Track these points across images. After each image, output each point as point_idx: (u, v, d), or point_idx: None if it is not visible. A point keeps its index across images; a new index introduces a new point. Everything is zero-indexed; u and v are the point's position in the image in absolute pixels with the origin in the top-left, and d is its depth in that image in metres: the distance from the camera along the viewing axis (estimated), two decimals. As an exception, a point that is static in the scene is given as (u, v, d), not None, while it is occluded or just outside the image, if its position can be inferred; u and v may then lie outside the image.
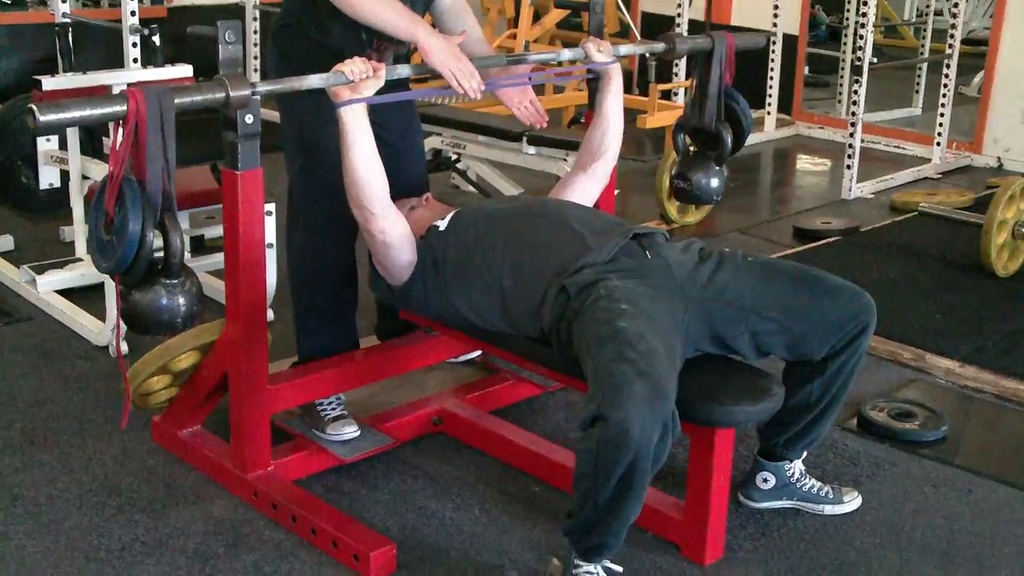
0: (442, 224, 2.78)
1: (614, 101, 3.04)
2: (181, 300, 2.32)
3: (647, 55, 6.37)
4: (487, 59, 2.89)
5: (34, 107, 2.12)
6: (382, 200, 2.66)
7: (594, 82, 3.25)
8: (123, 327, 2.37)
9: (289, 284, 3.07)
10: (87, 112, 2.19)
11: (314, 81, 2.52)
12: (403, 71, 2.68)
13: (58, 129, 4.12)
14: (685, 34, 3.25)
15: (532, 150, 4.81)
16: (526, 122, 3.13)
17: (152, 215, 2.24)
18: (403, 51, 2.98)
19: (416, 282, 2.75)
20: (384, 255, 2.73)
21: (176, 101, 2.28)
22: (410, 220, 2.92)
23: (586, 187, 3.04)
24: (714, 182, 3.27)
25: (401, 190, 2.96)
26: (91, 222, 2.32)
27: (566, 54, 3.03)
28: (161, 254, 2.32)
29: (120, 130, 2.24)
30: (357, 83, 2.53)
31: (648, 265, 2.56)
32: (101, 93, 4.21)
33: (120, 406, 3.26)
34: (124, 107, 2.21)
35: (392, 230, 2.69)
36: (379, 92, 2.60)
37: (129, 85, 2.23)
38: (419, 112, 3.26)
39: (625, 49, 3.18)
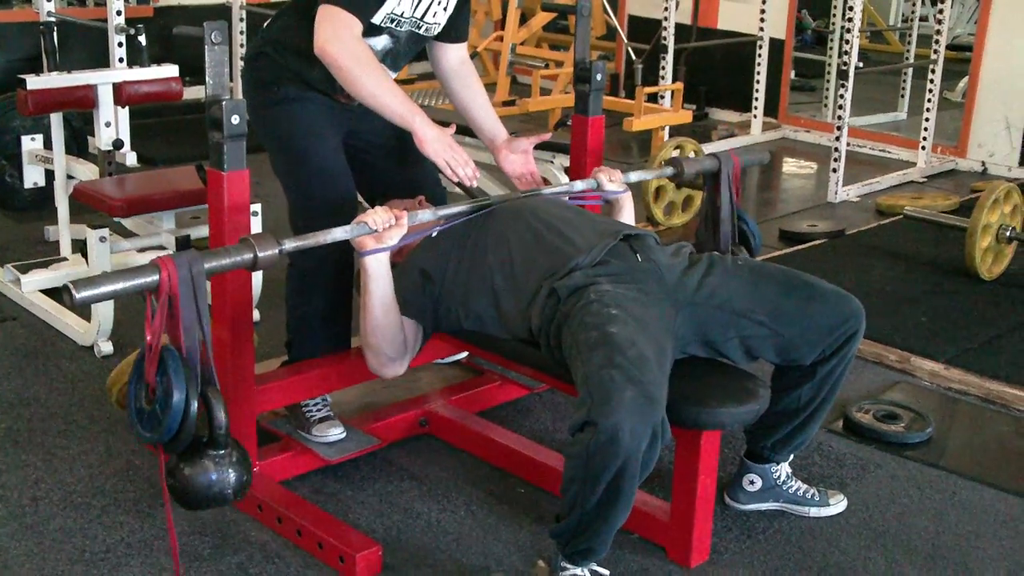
0: (434, 232, 2.77)
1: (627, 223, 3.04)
2: (230, 472, 2.25)
3: (633, 56, 6.37)
4: (503, 197, 2.87)
5: (70, 286, 2.10)
6: (398, 345, 2.68)
7: (582, 91, 3.24)
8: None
9: (286, 285, 3.05)
10: (121, 286, 2.14)
11: (339, 234, 2.48)
12: (424, 216, 2.65)
13: (28, 113, 4.13)
14: (690, 158, 3.15)
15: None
16: (521, 188, 3.10)
17: (195, 384, 2.19)
18: None
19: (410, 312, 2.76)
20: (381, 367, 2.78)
21: (206, 266, 2.24)
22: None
23: None
24: None
25: (401, 192, 2.95)
26: (130, 393, 2.25)
27: (579, 185, 2.99)
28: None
29: (154, 302, 2.18)
30: (381, 233, 2.52)
31: (638, 268, 2.56)
32: (85, 92, 4.21)
33: (109, 407, 3.25)
34: (156, 277, 2.16)
35: (400, 367, 2.75)
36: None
37: (159, 256, 2.18)
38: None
39: (635, 176, 3.12)
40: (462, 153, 2.77)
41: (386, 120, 2.94)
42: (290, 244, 2.41)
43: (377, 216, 2.50)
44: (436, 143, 2.73)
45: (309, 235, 2.49)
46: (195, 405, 2.17)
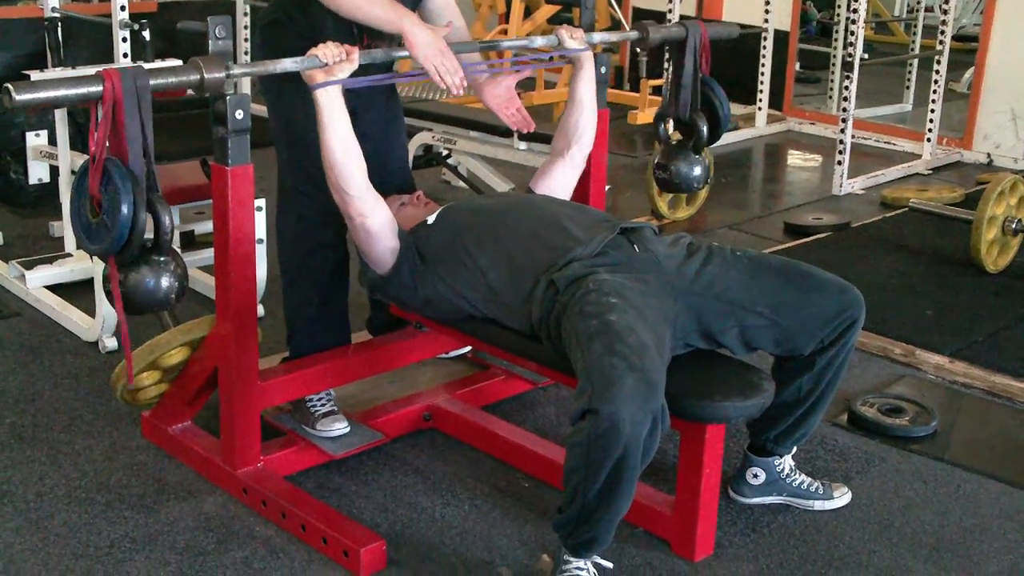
0: (430, 219, 2.78)
1: (587, 87, 3.05)
2: (172, 278, 2.34)
3: (637, 51, 6.37)
4: (461, 45, 2.88)
5: (10, 87, 2.12)
6: (360, 183, 2.64)
7: None
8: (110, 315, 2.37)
9: (281, 278, 3.06)
10: (62, 92, 2.19)
11: (288, 64, 2.52)
12: (377, 55, 2.67)
13: (33, 109, 4.09)
14: (655, 24, 3.24)
15: (523, 146, 4.81)
16: (513, 127, 3.14)
17: (142, 193, 2.25)
18: (394, 45, 2.97)
19: (402, 269, 2.73)
20: (366, 241, 2.72)
21: (152, 83, 2.28)
22: (400, 216, 2.92)
23: (564, 173, 3.05)
24: (695, 170, 3.31)
25: (383, 182, 2.95)
26: (73, 207, 2.32)
27: (539, 41, 3.05)
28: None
29: (98, 113, 2.24)
30: (331, 66, 2.54)
31: (637, 259, 2.57)
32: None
33: (113, 402, 3.26)
34: (100, 88, 2.21)
35: (372, 214, 2.67)
36: (356, 75, 2.60)
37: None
38: (410, 108, 3.26)
39: (598, 37, 3.19)
40: (453, 60, 2.73)
41: (382, 103, 2.93)
42: (238, 69, 2.44)
43: (328, 49, 2.54)
44: (427, 47, 2.70)
45: (258, 63, 2.56)
46: (143, 213, 2.23)
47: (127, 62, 4.99)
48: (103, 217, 2.26)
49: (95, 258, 2.43)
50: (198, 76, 2.36)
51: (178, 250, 2.39)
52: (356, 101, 2.96)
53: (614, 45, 8.16)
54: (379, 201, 2.69)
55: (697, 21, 3.27)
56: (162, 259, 2.32)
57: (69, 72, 4.18)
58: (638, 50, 6.44)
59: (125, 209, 2.22)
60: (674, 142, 3.34)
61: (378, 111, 3.02)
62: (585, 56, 3.03)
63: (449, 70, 2.72)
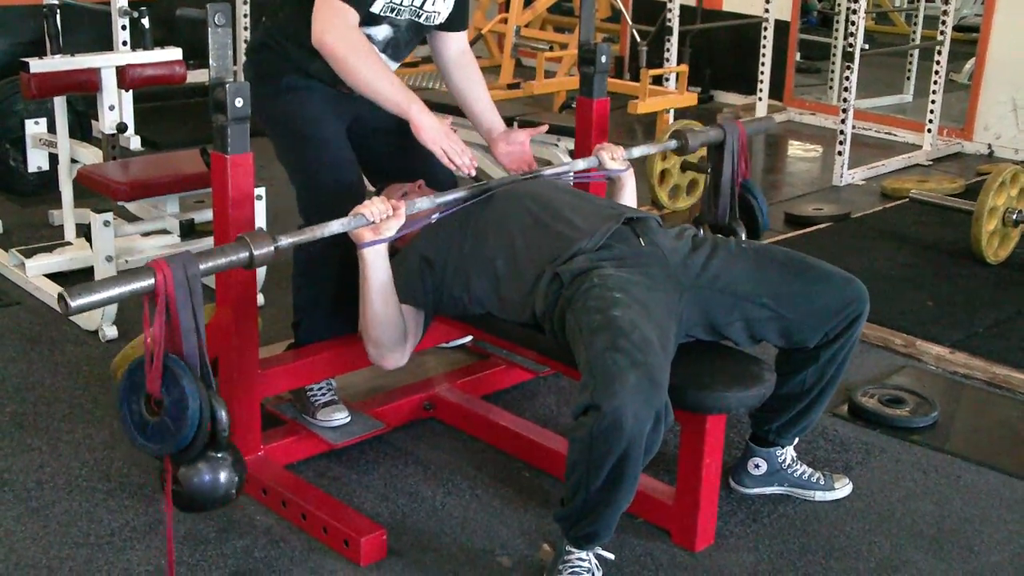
0: (434, 217, 2.76)
1: (629, 202, 3.02)
2: (231, 472, 2.22)
3: (639, 39, 6.36)
4: (503, 180, 2.85)
5: (65, 296, 2.04)
6: (397, 336, 2.67)
7: (587, 73, 3.23)
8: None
9: (293, 269, 3.04)
10: (116, 292, 2.09)
11: (335, 227, 2.46)
12: (422, 204, 2.64)
13: (32, 96, 4.11)
14: (694, 129, 3.11)
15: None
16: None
17: (204, 390, 2.15)
18: None
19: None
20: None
21: (202, 267, 2.20)
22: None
23: None
24: None
25: (399, 176, 2.95)
26: (125, 407, 2.19)
27: (580, 164, 2.96)
28: None
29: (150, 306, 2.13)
30: (378, 224, 2.50)
31: (642, 252, 2.56)
32: (89, 76, 4.20)
33: (113, 391, 3.25)
34: (152, 281, 2.11)
35: (403, 359, 2.73)
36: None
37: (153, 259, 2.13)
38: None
39: (638, 151, 3.10)
40: (459, 142, 2.76)
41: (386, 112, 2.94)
42: (286, 240, 2.38)
43: (374, 207, 2.49)
44: (433, 131, 2.72)
45: (306, 229, 2.46)
46: (208, 409, 2.13)
47: (126, 50, 4.98)
48: (164, 417, 2.14)
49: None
50: (247, 254, 2.30)
51: (237, 452, 2.26)
52: (356, 111, 2.95)
53: (614, 35, 8.16)
54: (404, 338, 2.70)
55: (736, 122, 3.13)
56: (221, 455, 2.20)
57: (69, 60, 4.16)
58: (638, 40, 6.42)
59: (193, 413, 2.11)
60: None
61: (378, 116, 3.00)
62: (625, 174, 2.99)
63: (457, 151, 2.74)
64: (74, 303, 2.05)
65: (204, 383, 2.15)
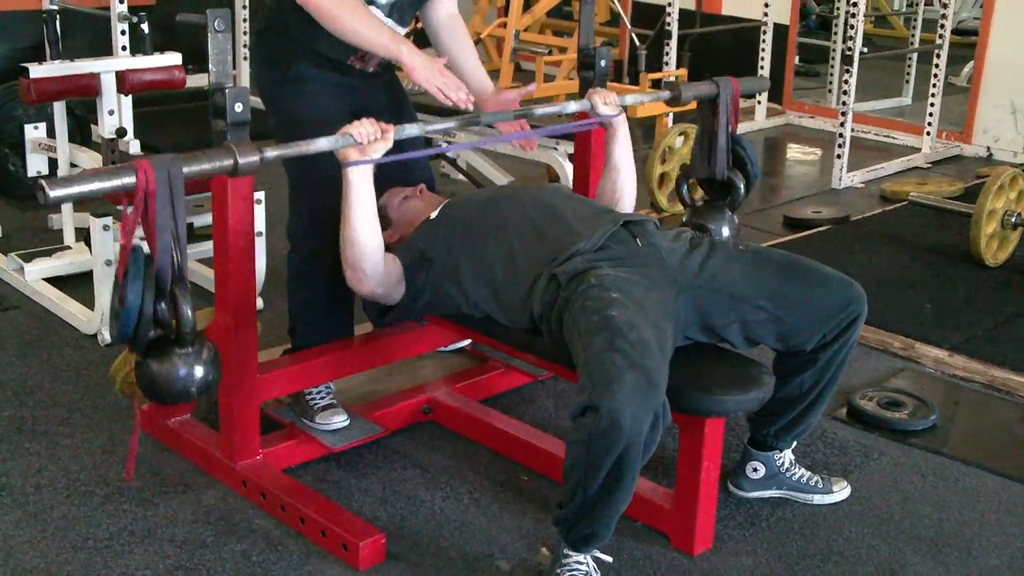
0: (433, 214, 2.78)
1: (623, 151, 3.00)
2: (197, 369, 2.30)
3: (637, 41, 6.35)
4: (494, 115, 2.88)
5: (43, 183, 2.09)
6: (376, 263, 2.66)
7: (586, 77, 3.24)
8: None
9: (287, 272, 3.05)
10: (96, 185, 2.14)
11: (323, 144, 2.48)
12: (411, 131, 2.65)
13: (32, 101, 4.12)
14: (687, 83, 3.17)
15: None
16: (514, 145, 3.14)
17: (153, 286, 2.22)
18: (388, 61, 2.97)
19: (409, 293, 2.75)
20: (373, 299, 2.77)
21: (185, 169, 2.25)
22: (402, 210, 2.92)
23: None
24: (728, 230, 3.18)
25: (401, 180, 2.95)
26: (115, 291, 2.29)
27: (572, 106, 2.99)
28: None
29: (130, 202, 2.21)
30: (366, 145, 2.52)
31: (639, 253, 2.56)
32: (88, 81, 4.20)
33: (112, 395, 3.25)
34: (133, 179, 2.17)
35: (382, 285, 2.71)
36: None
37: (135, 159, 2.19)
38: (411, 100, 3.26)
39: (631, 99, 3.12)
40: (452, 77, 2.74)
41: (388, 101, 2.94)
42: (272, 152, 2.42)
43: (362, 128, 2.51)
44: (425, 70, 2.71)
45: (291, 145, 2.50)
46: (150, 305, 2.22)
47: (125, 55, 4.99)
48: (120, 306, 2.24)
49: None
50: (231, 161, 2.34)
51: (213, 350, 2.34)
52: (364, 97, 2.96)
53: (613, 39, 8.16)
54: (388, 270, 2.70)
55: (729, 78, 3.17)
56: (185, 351, 2.29)
57: (68, 65, 4.17)
58: (637, 44, 6.42)
59: (131, 300, 2.20)
60: (700, 203, 3.26)
61: (387, 109, 3.01)
62: (618, 120, 2.99)
63: (451, 87, 2.74)
64: (52, 193, 2.12)
65: (176, 282, 2.24)
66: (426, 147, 3.29)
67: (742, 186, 3.14)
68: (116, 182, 2.17)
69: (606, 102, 2.94)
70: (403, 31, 2.95)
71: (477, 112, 2.93)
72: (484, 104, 3.07)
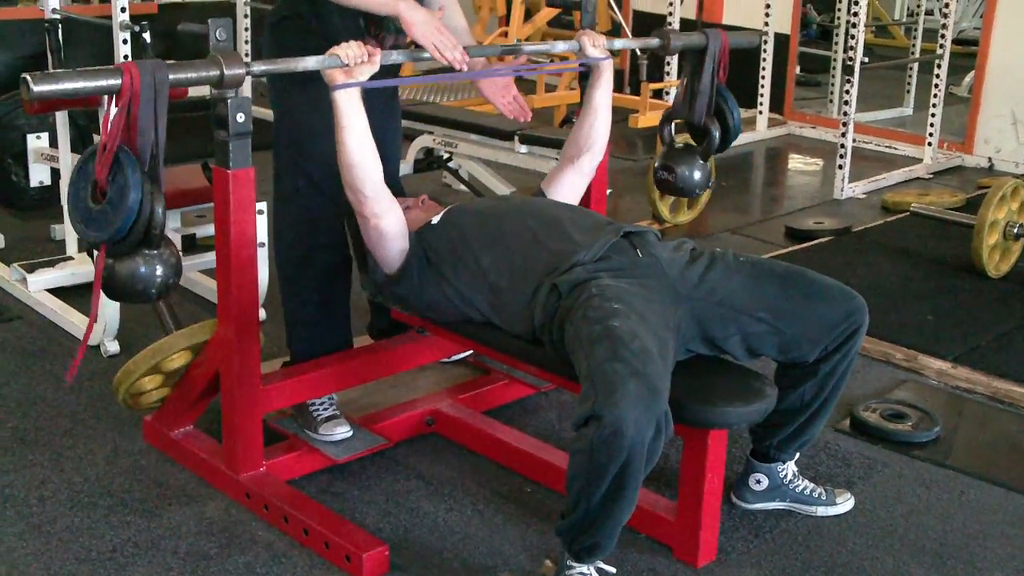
0: (435, 219, 2.78)
1: (604, 95, 3.03)
2: (158, 269, 2.36)
3: (639, 51, 6.38)
4: (483, 48, 2.88)
5: (27, 77, 2.12)
6: (376, 183, 2.63)
7: (586, 80, 3.24)
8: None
9: (279, 280, 3.06)
10: (81, 84, 2.20)
11: (310, 63, 2.51)
12: (397, 57, 2.68)
13: (43, 105, 4.10)
14: (677, 31, 3.25)
15: (524, 149, 4.81)
16: (509, 116, 3.15)
17: (148, 185, 2.26)
18: (402, 43, 2.97)
19: (409, 271, 2.73)
20: (377, 241, 2.72)
21: (171, 77, 2.28)
22: (406, 219, 2.92)
23: (572, 181, 3.05)
24: (697, 175, 3.29)
25: (403, 192, 2.96)
26: (72, 191, 2.32)
27: (560, 46, 3.04)
28: None
29: (113, 104, 2.25)
30: (352, 67, 2.53)
31: (640, 263, 2.56)
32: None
33: (115, 406, 3.24)
34: (119, 81, 2.21)
35: (385, 215, 2.67)
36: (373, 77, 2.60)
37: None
38: (411, 111, 3.26)
39: (620, 43, 3.18)
40: (450, 36, 2.73)
41: (381, 97, 2.94)
42: (259, 67, 2.45)
43: (349, 50, 2.52)
44: (424, 26, 2.71)
45: (279, 61, 2.53)
46: (149, 205, 2.24)
47: (128, 65, 4.98)
48: (106, 205, 2.26)
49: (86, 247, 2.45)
50: (218, 72, 2.36)
51: (173, 240, 2.40)
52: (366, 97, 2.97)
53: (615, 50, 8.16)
54: (393, 202, 2.69)
55: (719, 30, 3.25)
56: (151, 252, 2.34)
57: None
58: (639, 54, 6.43)
59: (133, 199, 2.23)
60: (679, 145, 3.33)
61: (377, 102, 3.01)
62: (604, 64, 3.01)
63: (448, 46, 2.72)
64: (36, 88, 2.17)
65: (151, 180, 2.27)
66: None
67: (717, 134, 3.21)
68: (102, 82, 2.21)
69: (595, 44, 2.97)
70: None
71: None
72: (477, 79, 3.09)
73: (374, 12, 2.75)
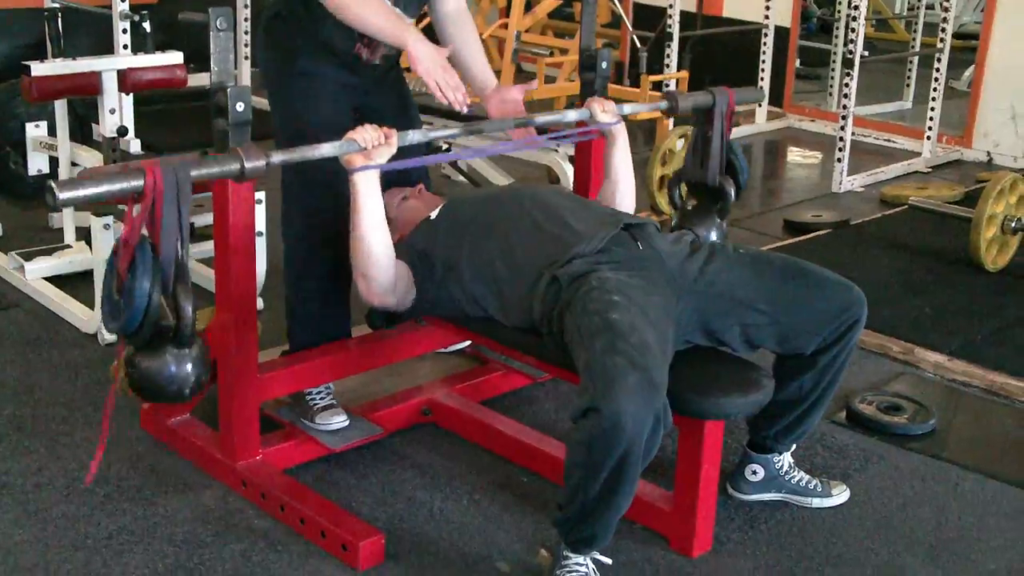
0: (433, 214, 2.78)
1: (622, 159, 3.02)
2: (189, 368, 2.31)
3: (637, 47, 6.36)
4: (495, 123, 2.88)
5: (53, 185, 2.10)
6: (386, 269, 2.65)
7: (587, 79, 3.24)
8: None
9: (284, 272, 3.06)
10: (105, 188, 2.16)
11: (327, 150, 2.49)
12: (414, 137, 2.66)
13: (33, 100, 4.13)
14: (684, 93, 3.20)
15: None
16: (514, 139, 3.14)
17: (162, 281, 2.23)
18: (393, 52, 2.97)
19: (416, 298, 2.75)
20: (384, 308, 2.77)
21: (192, 173, 2.26)
22: (401, 210, 2.93)
23: None
24: (717, 236, 3.21)
25: (400, 180, 2.96)
26: (105, 283, 2.30)
27: (571, 115, 3.00)
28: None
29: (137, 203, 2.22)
30: (370, 150, 2.52)
31: (640, 256, 2.57)
32: (90, 79, 4.20)
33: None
34: (142, 182, 2.18)
35: (391, 293, 2.69)
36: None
37: (144, 162, 2.22)
38: (414, 101, 3.26)
39: (629, 108, 3.14)
40: (454, 76, 2.74)
41: (394, 101, 2.94)
42: (278, 157, 2.43)
43: (366, 133, 2.51)
44: (429, 62, 2.71)
45: (296, 150, 2.51)
46: (157, 300, 2.21)
47: (127, 54, 4.98)
48: (121, 299, 2.23)
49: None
50: (239, 166, 2.35)
51: (204, 350, 2.34)
52: (364, 101, 2.96)
53: (614, 41, 8.16)
54: (398, 275, 2.69)
55: (724, 88, 3.20)
56: (181, 350, 2.29)
57: (70, 63, 4.17)
58: (639, 46, 6.43)
59: (140, 291, 2.19)
60: (692, 206, 3.28)
61: (392, 105, 3.02)
62: (617, 128, 3.00)
63: (451, 86, 2.74)
64: (61, 195, 2.12)
65: (176, 277, 2.24)
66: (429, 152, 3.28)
67: (732, 193, 3.17)
68: (125, 185, 2.18)
69: (605, 110, 2.96)
70: (409, 22, 2.94)
71: (479, 112, 2.91)
72: (487, 100, 3.08)
73: (379, 39, 2.75)
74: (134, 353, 2.31)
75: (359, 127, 2.53)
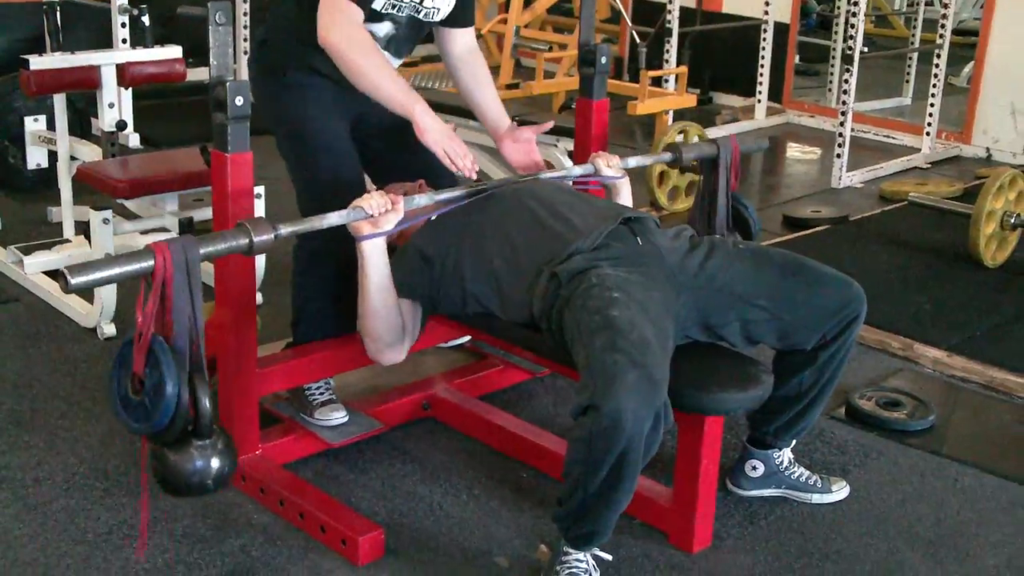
0: (434, 215, 2.77)
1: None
2: (214, 461, 2.25)
3: (637, 38, 6.35)
4: (504, 181, 2.87)
5: (65, 272, 2.07)
6: (395, 331, 2.67)
7: (586, 74, 3.24)
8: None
9: (293, 267, 3.05)
10: (115, 271, 2.13)
11: (334, 219, 2.47)
12: (420, 200, 2.65)
13: (32, 95, 4.15)
14: (688, 143, 3.17)
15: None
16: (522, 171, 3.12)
17: (185, 373, 2.17)
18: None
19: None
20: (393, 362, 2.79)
21: (201, 251, 2.23)
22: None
23: None
24: None
25: (401, 175, 2.95)
26: (114, 381, 2.23)
27: (576, 170, 2.99)
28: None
29: (146, 286, 2.17)
30: (377, 217, 2.51)
31: (639, 251, 2.56)
32: (89, 73, 4.20)
33: (106, 395, 3.24)
34: (151, 263, 2.14)
35: (401, 355, 2.73)
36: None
37: (154, 241, 2.16)
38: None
39: (634, 162, 3.12)
40: (461, 145, 2.76)
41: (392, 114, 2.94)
42: (286, 229, 2.40)
43: (373, 201, 2.50)
44: (436, 133, 2.72)
45: (305, 220, 2.49)
46: (186, 396, 2.15)
47: (126, 47, 4.98)
48: (144, 397, 2.17)
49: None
50: (247, 240, 2.33)
51: (228, 439, 2.28)
52: (363, 108, 2.95)
53: (613, 36, 8.16)
54: (407, 340, 2.73)
55: (729, 138, 3.18)
56: (203, 443, 2.23)
57: (69, 57, 4.16)
58: (638, 41, 6.42)
59: (170, 398, 2.13)
60: None
61: (383, 113, 3.01)
62: (621, 182, 3.00)
63: (459, 154, 2.73)
64: (74, 280, 2.09)
65: (194, 369, 2.18)
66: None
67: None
68: (135, 266, 2.14)
69: (609, 165, 2.96)
70: (398, 63, 2.95)
71: (486, 178, 2.89)
72: (500, 140, 3.07)
73: (387, 106, 2.74)
74: (158, 447, 2.24)
75: (365, 194, 2.53)
